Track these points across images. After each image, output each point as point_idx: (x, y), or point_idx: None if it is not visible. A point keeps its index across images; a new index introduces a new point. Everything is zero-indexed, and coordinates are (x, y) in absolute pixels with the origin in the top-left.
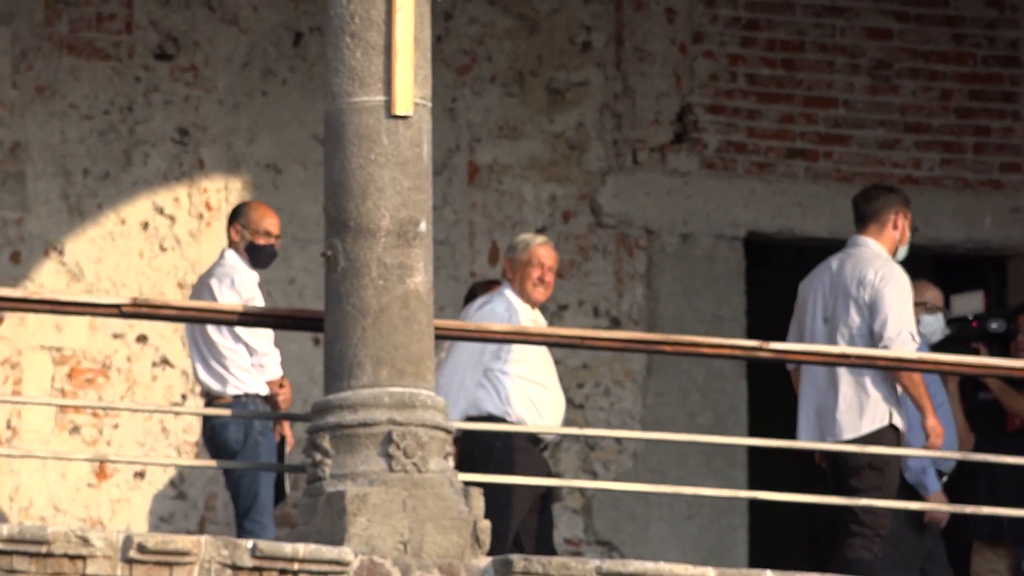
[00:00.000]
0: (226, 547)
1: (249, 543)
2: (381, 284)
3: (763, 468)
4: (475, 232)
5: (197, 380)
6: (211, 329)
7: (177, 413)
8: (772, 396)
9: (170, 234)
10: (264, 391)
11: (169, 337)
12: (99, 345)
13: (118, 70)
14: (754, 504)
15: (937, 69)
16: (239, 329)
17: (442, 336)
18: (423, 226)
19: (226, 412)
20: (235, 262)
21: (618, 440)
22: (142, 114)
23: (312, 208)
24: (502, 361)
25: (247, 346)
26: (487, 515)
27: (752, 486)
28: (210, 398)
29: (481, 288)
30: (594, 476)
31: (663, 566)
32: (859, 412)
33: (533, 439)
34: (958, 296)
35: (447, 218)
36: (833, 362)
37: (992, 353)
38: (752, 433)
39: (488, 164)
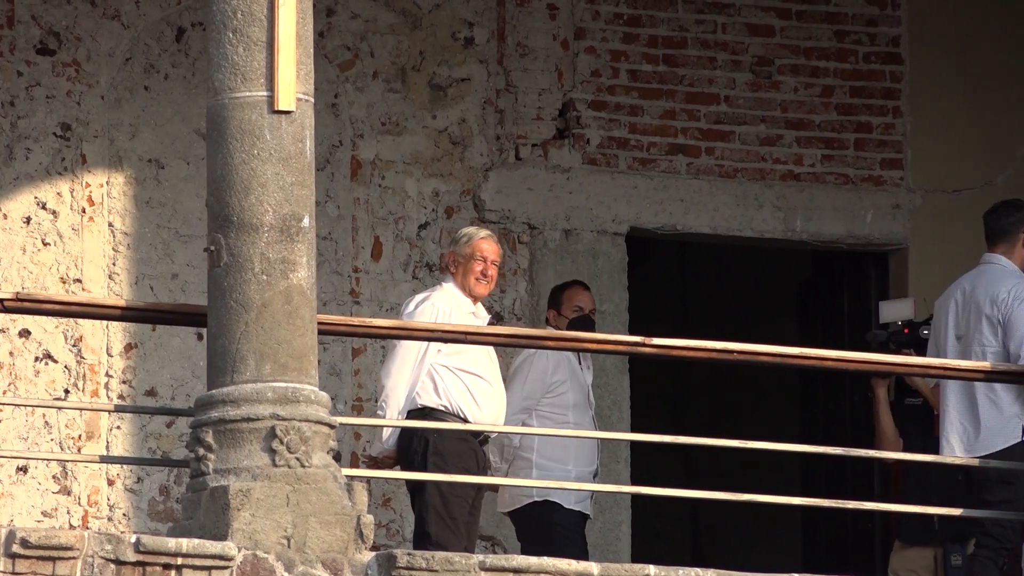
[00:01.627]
0: (109, 542)
1: (132, 538)
2: (264, 279)
3: (645, 465)
4: (358, 227)
5: None
6: None
7: (60, 408)
8: (654, 391)
9: (53, 229)
10: None
11: (52, 332)
12: None
13: (0, 65)
14: (636, 500)
15: (818, 66)
16: None
17: (325, 332)
18: (306, 221)
19: (108, 407)
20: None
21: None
22: (24, 109)
23: (195, 203)
24: (442, 355)
25: None
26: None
27: (635, 482)
28: None
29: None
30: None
31: (547, 561)
32: (996, 429)
33: (473, 432)
34: (886, 303)
35: (330, 213)
36: (718, 359)
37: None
38: (634, 428)
39: (371, 160)
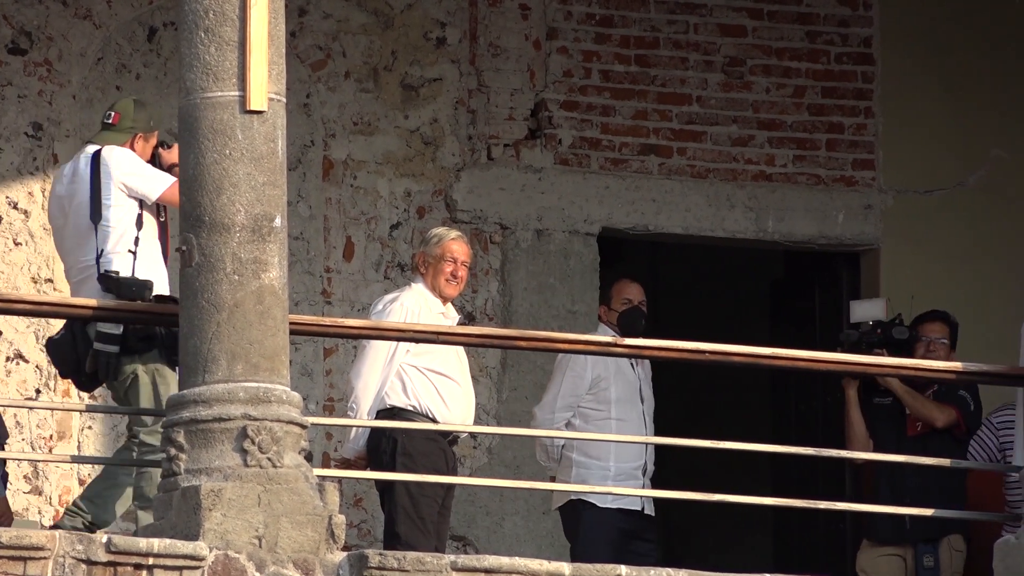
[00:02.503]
0: (80, 542)
1: (104, 537)
2: (236, 279)
3: None
4: (330, 227)
5: None
6: None
7: (31, 408)
8: None
9: (24, 228)
10: None
11: (23, 332)
12: None
13: None
14: None
15: (790, 66)
16: None
17: (297, 332)
18: (278, 221)
19: (80, 407)
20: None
21: (473, 435)
22: None
23: None
24: (411, 355)
25: None
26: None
27: None
28: None
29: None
30: None
31: (518, 561)
32: None
33: (442, 431)
34: (857, 303)
35: (302, 213)
36: (689, 359)
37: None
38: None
39: (343, 160)
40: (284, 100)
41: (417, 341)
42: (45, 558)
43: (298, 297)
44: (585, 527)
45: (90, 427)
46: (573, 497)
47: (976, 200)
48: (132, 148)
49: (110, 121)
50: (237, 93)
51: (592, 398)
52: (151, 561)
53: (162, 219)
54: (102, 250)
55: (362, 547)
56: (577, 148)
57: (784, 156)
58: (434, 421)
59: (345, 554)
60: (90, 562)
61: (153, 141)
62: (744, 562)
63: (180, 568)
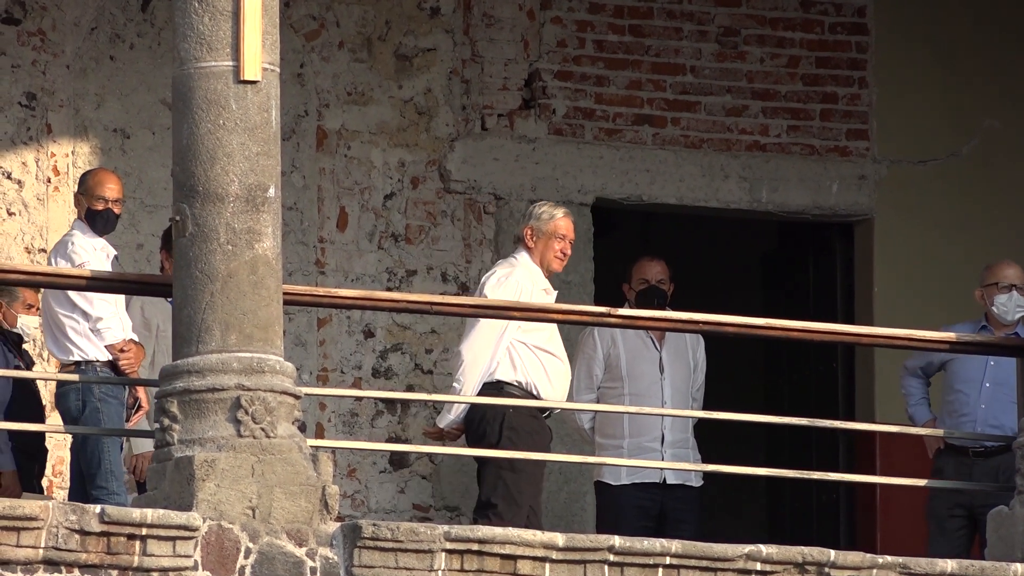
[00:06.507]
0: (74, 512)
1: (97, 508)
2: (229, 249)
3: None
4: (323, 197)
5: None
6: (50, 296)
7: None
8: None
9: (18, 199)
10: (104, 356)
11: None
12: None
13: None
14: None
15: (784, 36)
16: (73, 295)
17: (291, 302)
18: (271, 191)
19: (73, 377)
20: (76, 229)
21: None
22: None
23: (160, 173)
24: (521, 331)
25: (83, 312)
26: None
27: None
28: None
29: None
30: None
31: (511, 531)
32: None
33: (541, 408)
34: None
35: (295, 183)
36: (682, 328)
37: None
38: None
39: (336, 130)
40: (278, 70)
41: (410, 312)
42: (39, 528)
43: (292, 267)
44: (601, 509)
45: None
46: (596, 478)
47: (969, 170)
48: None
49: None
50: (231, 63)
51: (608, 376)
52: (144, 532)
53: None
54: None
55: (356, 518)
56: (571, 118)
57: (778, 126)
58: (537, 398)
59: (339, 524)
60: (83, 532)
61: None
62: (737, 531)
63: (173, 539)
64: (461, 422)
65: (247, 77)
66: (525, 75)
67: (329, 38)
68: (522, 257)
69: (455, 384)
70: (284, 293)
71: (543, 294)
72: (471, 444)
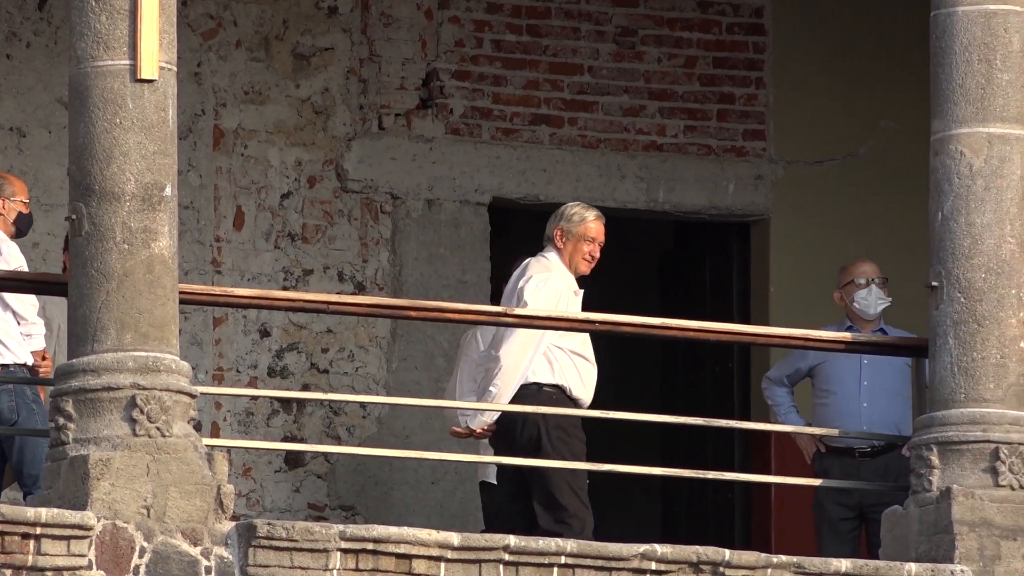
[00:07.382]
0: None
1: None
2: (125, 248)
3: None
4: (220, 196)
5: None
6: None
7: None
8: None
9: None
10: (30, 361)
11: None
12: None
13: None
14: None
15: (682, 36)
16: (9, 297)
17: (187, 301)
18: (168, 190)
19: None
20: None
21: (363, 405)
22: None
23: (57, 172)
24: (558, 336)
25: (15, 314)
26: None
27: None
28: None
29: None
30: (338, 441)
31: (406, 531)
32: None
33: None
34: None
35: (192, 182)
36: (579, 328)
37: None
38: None
39: (233, 129)
40: (175, 69)
41: (306, 311)
42: None
43: (188, 266)
44: (486, 508)
45: None
46: (480, 479)
47: (866, 170)
48: None
49: None
50: (128, 62)
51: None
52: (39, 531)
53: None
54: None
55: (251, 517)
56: (468, 118)
57: (675, 126)
58: (572, 400)
59: (234, 524)
60: None
61: None
62: (632, 530)
63: (68, 538)
64: (493, 423)
65: (144, 76)
66: (423, 75)
67: (226, 37)
68: (552, 258)
69: (491, 388)
70: (180, 292)
71: (573, 296)
72: (502, 446)
